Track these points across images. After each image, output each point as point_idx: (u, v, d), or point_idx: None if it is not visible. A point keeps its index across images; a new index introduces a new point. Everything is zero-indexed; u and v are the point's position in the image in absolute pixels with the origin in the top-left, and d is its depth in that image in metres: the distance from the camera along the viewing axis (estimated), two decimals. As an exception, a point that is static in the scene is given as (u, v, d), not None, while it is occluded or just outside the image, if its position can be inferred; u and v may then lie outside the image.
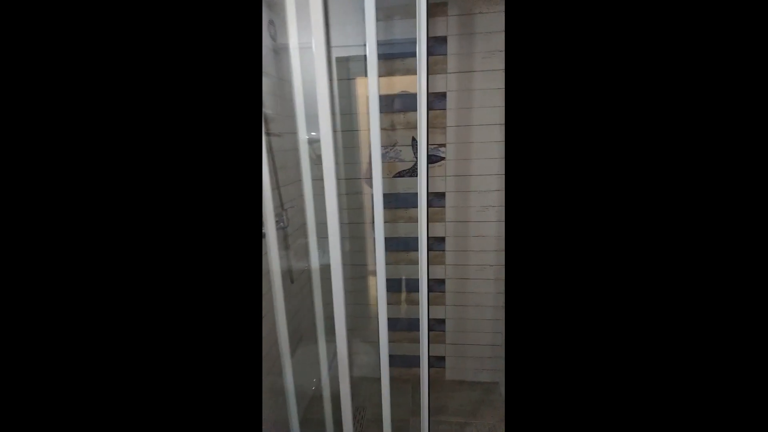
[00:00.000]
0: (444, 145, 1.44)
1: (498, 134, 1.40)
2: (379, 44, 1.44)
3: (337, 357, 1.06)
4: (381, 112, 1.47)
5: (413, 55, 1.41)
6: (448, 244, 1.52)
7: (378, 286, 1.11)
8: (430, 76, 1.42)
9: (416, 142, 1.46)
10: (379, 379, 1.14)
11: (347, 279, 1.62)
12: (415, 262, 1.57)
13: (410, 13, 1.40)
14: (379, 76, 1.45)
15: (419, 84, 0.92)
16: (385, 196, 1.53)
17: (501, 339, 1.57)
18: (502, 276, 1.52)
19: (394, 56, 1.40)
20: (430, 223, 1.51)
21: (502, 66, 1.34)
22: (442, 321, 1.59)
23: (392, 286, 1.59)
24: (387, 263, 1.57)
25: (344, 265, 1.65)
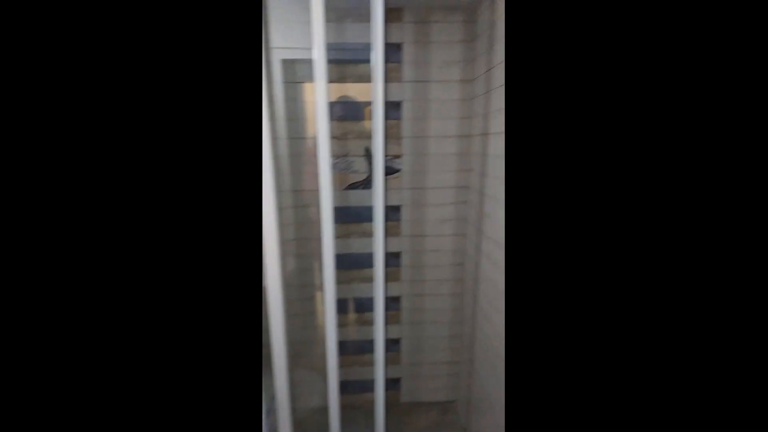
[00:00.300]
0: (399, 157, 1.38)
1: (455, 147, 1.37)
2: (330, 48, 1.35)
3: (276, 390, 0.94)
4: (332, 119, 1.37)
5: (367, 60, 1.34)
6: (404, 260, 1.45)
7: (326, 307, 1.01)
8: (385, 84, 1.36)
9: (369, 152, 1.38)
10: (326, 408, 1.03)
11: (292, 301, 1.49)
12: (369, 280, 1.48)
13: (364, 16, 1.33)
14: (330, 81, 1.35)
15: (375, 92, 0.84)
16: (336, 209, 1.44)
17: (458, 355, 1.53)
18: (459, 290, 1.48)
19: (346, 61, 1.31)
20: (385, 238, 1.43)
21: (459, 77, 1.31)
22: (397, 341, 1.51)
23: (344, 306, 1.48)
24: (338, 282, 1.47)
25: (288, 285, 1.51)
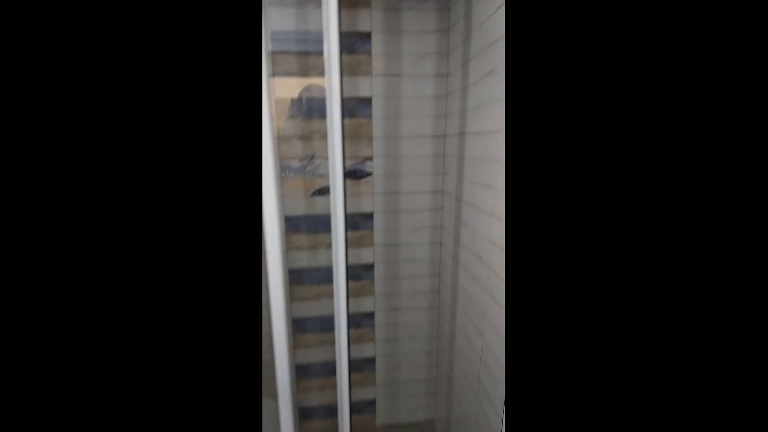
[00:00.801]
0: (371, 159, 1.27)
1: (429, 147, 1.27)
2: (291, 37, 1.22)
3: None
4: (293, 116, 1.25)
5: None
6: (378, 272, 1.35)
7: (273, 326, 0.88)
8: (352, 78, 1.24)
9: (338, 153, 1.26)
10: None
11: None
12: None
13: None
14: (291, 74, 1.23)
15: (329, 85, 0.72)
16: (303, 218, 1.31)
17: (436, 372, 1.45)
18: (437, 303, 1.39)
19: (309, 53, 1.19)
20: (356, 249, 1.32)
21: (433, 71, 1.22)
22: (372, 360, 1.41)
23: (313, 324, 1.36)
24: (305, 298, 1.35)
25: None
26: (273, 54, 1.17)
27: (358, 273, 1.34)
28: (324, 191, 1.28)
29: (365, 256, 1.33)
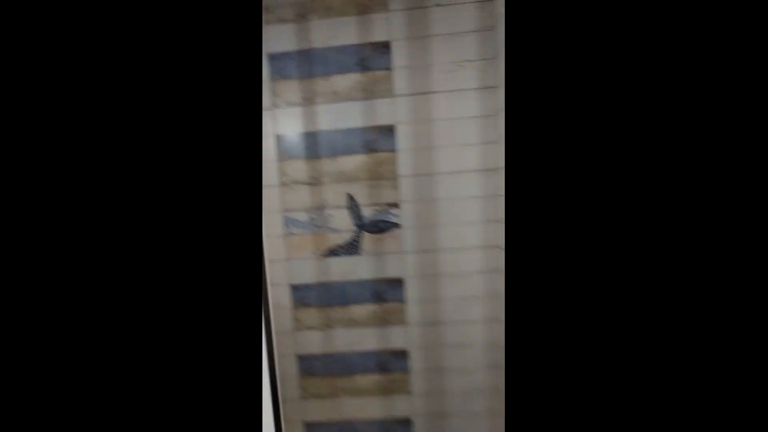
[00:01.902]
0: (397, 205, 1.00)
1: (477, 186, 0.98)
2: (286, 55, 1.04)
3: None
4: (302, 156, 1.04)
5: (348, 70, 1.00)
6: (415, 361, 1.04)
7: None
8: (368, 102, 1.01)
9: (355, 201, 1.01)
10: None
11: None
12: (364, 393, 1.07)
13: (342, 10, 1.01)
14: (290, 104, 1.03)
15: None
16: (313, 287, 1.07)
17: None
18: (500, 407, 1.04)
19: (314, 76, 0.98)
20: (382, 328, 1.04)
21: (477, 83, 0.95)
22: (412, 486, 1.08)
23: (327, 433, 1.07)
24: (317, 396, 1.07)
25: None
26: (272, 80, 0.98)
27: (385, 362, 1.04)
28: (338, 251, 1.03)
29: (396, 338, 1.03)
